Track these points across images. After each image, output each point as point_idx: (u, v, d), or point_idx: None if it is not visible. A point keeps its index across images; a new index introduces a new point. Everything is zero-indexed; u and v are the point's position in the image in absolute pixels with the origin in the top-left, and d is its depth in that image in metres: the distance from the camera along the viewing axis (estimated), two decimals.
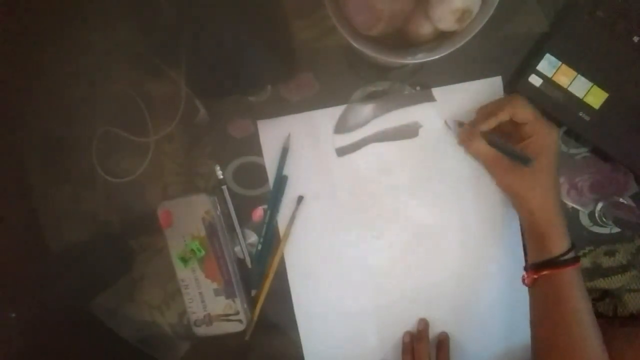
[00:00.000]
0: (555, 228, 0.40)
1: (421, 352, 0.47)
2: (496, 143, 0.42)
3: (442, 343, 0.49)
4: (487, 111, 0.43)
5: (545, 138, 0.40)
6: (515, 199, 0.43)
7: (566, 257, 0.39)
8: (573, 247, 0.40)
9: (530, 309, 0.42)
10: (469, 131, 0.43)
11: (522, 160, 0.41)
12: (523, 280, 0.43)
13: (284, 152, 0.49)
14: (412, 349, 0.48)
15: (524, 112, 0.40)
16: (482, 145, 0.42)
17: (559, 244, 0.39)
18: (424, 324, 0.49)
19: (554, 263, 0.39)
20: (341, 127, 0.49)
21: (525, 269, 0.43)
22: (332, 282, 0.51)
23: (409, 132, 0.49)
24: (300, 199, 0.50)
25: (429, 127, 0.48)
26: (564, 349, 0.38)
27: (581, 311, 0.38)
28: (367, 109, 0.49)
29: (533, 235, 0.42)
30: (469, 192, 0.49)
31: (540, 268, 0.40)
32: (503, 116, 0.41)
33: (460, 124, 0.46)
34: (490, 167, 0.44)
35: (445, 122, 0.47)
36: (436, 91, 0.48)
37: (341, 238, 0.50)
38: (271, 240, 0.51)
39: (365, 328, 0.51)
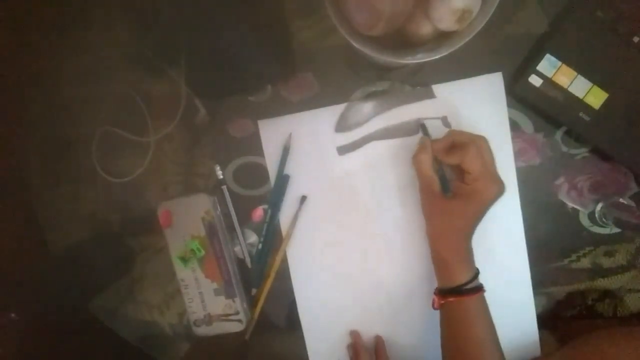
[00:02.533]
0: (457, 257, 0.41)
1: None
2: (437, 164, 0.43)
3: (379, 347, 0.50)
4: (452, 139, 0.42)
5: (479, 192, 0.40)
6: (427, 222, 0.44)
7: (469, 285, 0.40)
8: (476, 276, 0.41)
9: (440, 331, 0.43)
10: (423, 143, 0.43)
11: (444, 188, 0.43)
12: (433, 304, 0.43)
13: (285, 151, 0.49)
14: None
15: (470, 162, 0.40)
16: (427, 164, 0.42)
17: (461, 274, 0.41)
18: (354, 336, 0.50)
19: (458, 291, 0.40)
20: (342, 126, 0.49)
21: (435, 292, 0.44)
22: (335, 280, 0.51)
23: (410, 129, 0.49)
24: (303, 198, 0.50)
25: (430, 124, 0.48)
26: None
27: (484, 339, 0.40)
28: (368, 107, 0.49)
29: (437, 261, 0.43)
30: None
31: (445, 294, 0.41)
32: (452, 160, 0.41)
33: (424, 131, 0.47)
34: (420, 183, 0.44)
35: (420, 122, 0.48)
36: (436, 88, 0.48)
37: (343, 237, 0.50)
38: (272, 240, 0.51)
39: (369, 327, 0.51)
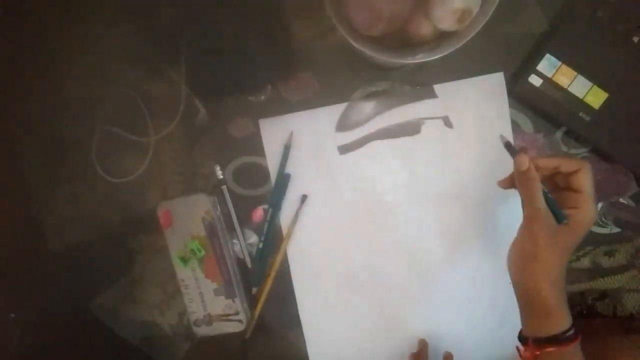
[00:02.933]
0: (561, 301, 0.37)
1: None
2: (545, 192, 0.38)
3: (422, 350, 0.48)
4: (552, 154, 0.39)
5: (586, 215, 0.36)
6: (531, 260, 0.37)
7: (570, 333, 0.36)
8: (573, 322, 0.37)
9: None
10: (530, 168, 0.37)
11: (558, 215, 0.37)
12: (519, 353, 0.39)
13: (286, 150, 0.49)
14: None
15: (586, 179, 0.36)
16: (539, 191, 0.37)
17: (564, 320, 0.36)
18: (422, 345, 0.48)
19: (558, 340, 0.36)
20: (343, 125, 0.49)
21: (521, 340, 0.39)
22: (336, 280, 0.51)
23: (411, 129, 0.49)
24: (304, 197, 0.50)
25: (431, 124, 0.48)
26: None
27: None
28: (369, 106, 0.49)
29: (535, 306, 0.37)
30: (470, 189, 0.49)
31: (543, 344, 0.36)
32: (568, 167, 0.37)
33: (509, 146, 0.40)
34: (533, 216, 0.37)
35: (501, 137, 0.41)
36: (438, 88, 0.48)
37: (344, 236, 0.50)
38: (272, 239, 0.51)
39: (370, 327, 0.51)
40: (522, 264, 0.38)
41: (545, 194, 0.37)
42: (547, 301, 0.36)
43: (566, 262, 0.37)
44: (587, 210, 0.36)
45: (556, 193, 0.39)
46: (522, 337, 0.39)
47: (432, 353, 0.50)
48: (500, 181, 0.41)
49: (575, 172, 0.37)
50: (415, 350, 0.50)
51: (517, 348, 0.39)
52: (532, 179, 0.37)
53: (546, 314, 0.36)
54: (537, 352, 0.36)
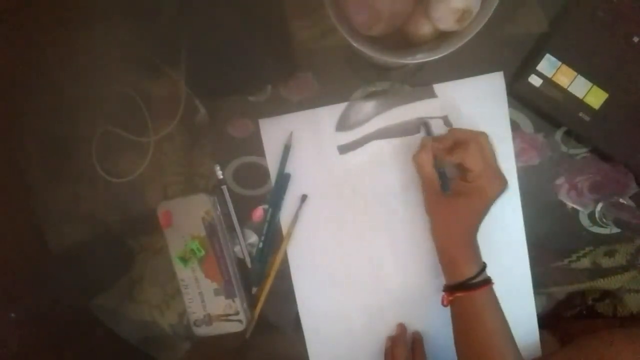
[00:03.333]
0: (462, 254, 0.41)
1: (398, 355, 0.47)
2: (439, 163, 0.44)
3: (416, 342, 0.50)
4: (454, 137, 0.42)
5: (482, 189, 0.41)
6: (431, 221, 0.44)
7: (476, 279, 0.40)
8: (483, 269, 0.41)
9: (452, 327, 0.43)
10: (423, 142, 0.44)
11: (444, 186, 0.43)
12: (442, 301, 0.43)
13: (286, 149, 0.49)
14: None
15: (471, 160, 0.40)
16: (428, 163, 0.43)
17: (467, 269, 0.41)
18: (400, 329, 0.50)
19: (465, 285, 0.40)
20: (343, 125, 0.49)
21: (443, 289, 0.44)
22: (336, 280, 0.51)
23: (411, 128, 0.49)
24: (304, 197, 0.50)
25: (432, 123, 0.48)
26: None
27: (495, 331, 0.40)
28: (369, 106, 0.49)
29: (443, 258, 0.43)
30: None
31: (453, 290, 0.41)
32: (454, 159, 0.42)
33: (427, 130, 0.47)
34: (422, 182, 0.44)
35: (422, 121, 0.48)
36: (438, 87, 0.48)
37: (344, 236, 0.50)
38: (272, 239, 0.51)
39: (369, 325, 0.51)
40: (430, 222, 0.44)
41: (439, 166, 0.44)
42: (447, 252, 0.43)
43: (468, 224, 0.42)
44: (479, 185, 0.41)
45: (459, 168, 0.43)
46: (444, 287, 0.44)
47: (431, 352, 0.50)
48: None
49: (466, 148, 0.40)
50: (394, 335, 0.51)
51: (442, 297, 0.44)
52: (423, 149, 0.43)
53: (451, 263, 0.42)
54: (450, 298, 0.42)
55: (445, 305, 0.43)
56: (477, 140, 0.41)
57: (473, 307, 0.41)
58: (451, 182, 0.45)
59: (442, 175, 0.44)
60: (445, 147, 0.43)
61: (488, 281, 0.41)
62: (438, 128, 0.48)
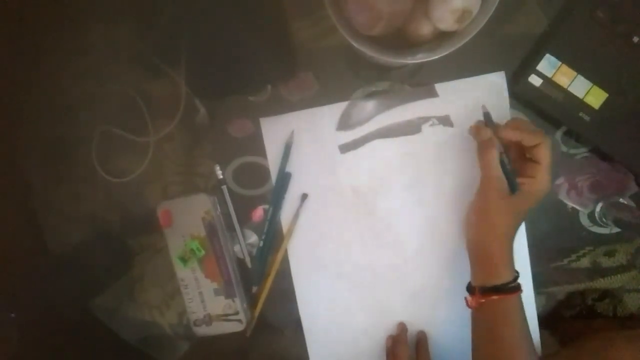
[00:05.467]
0: (506, 256, 0.41)
1: (400, 355, 0.47)
2: (502, 160, 0.41)
3: (420, 342, 0.50)
4: (518, 124, 0.41)
5: (540, 187, 0.40)
6: (478, 220, 0.42)
7: (513, 284, 0.40)
8: (518, 276, 0.41)
9: (473, 329, 0.43)
10: (490, 137, 0.41)
11: (511, 185, 0.41)
12: (467, 302, 0.43)
13: (287, 148, 0.49)
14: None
15: (544, 153, 0.40)
16: (494, 159, 0.41)
17: (508, 272, 0.40)
18: (401, 328, 0.50)
19: (502, 289, 0.40)
20: (344, 124, 0.49)
21: (469, 290, 0.43)
22: (337, 279, 0.51)
23: (412, 128, 0.49)
24: (304, 196, 0.50)
25: (432, 123, 0.48)
26: None
27: (521, 336, 0.40)
28: (370, 105, 0.49)
29: (483, 259, 0.42)
30: (471, 189, 0.49)
31: (487, 292, 0.41)
32: (530, 140, 0.40)
33: (487, 117, 0.44)
34: (487, 180, 0.42)
35: (483, 108, 0.44)
36: (439, 87, 0.48)
37: (344, 235, 0.50)
38: (273, 238, 0.51)
39: (369, 324, 0.51)
40: (474, 222, 0.43)
41: (502, 163, 0.41)
42: (493, 255, 0.41)
43: (516, 225, 0.41)
44: (541, 180, 0.40)
45: (517, 162, 0.42)
46: (469, 288, 0.43)
47: (433, 351, 0.50)
48: (471, 127, 0.44)
49: (536, 145, 0.40)
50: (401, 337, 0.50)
51: (465, 298, 0.43)
52: (490, 147, 0.41)
53: (492, 266, 0.41)
54: (482, 300, 0.41)
55: (471, 307, 0.42)
56: (547, 139, 0.40)
57: (503, 311, 0.40)
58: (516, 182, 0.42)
59: (508, 175, 0.41)
60: (511, 131, 0.41)
61: (520, 287, 0.41)
62: (439, 128, 0.48)
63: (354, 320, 0.51)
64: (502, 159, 0.41)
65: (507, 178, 0.41)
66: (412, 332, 0.51)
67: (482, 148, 0.42)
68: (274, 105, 0.50)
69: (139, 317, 0.54)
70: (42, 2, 0.49)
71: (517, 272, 0.41)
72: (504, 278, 0.40)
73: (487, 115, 0.44)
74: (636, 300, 0.48)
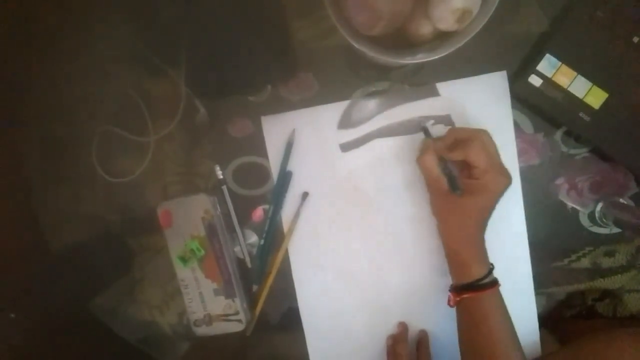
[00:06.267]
0: (470, 254, 0.41)
1: (401, 354, 0.47)
2: (443, 163, 0.44)
3: (421, 341, 0.50)
4: (453, 137, 0.43)
5: (488, 185, 0.40)
6: (438, 221, 0.44)
7: (485, 280, 0.41)
8: (491, 271, 0.42)
9: (457, 328, 0.44)
10: (425, 145, 0.44)
11: (453, 187, 0.43)
12: (448, 302, 0.44)
13: (289, 146, 0.49)
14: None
15: (476, 156, 0.40)
16: (432, 163, 0.43)
17: (476, 270, 0.41)
18: (401, 328, 0.50)
19: (474, 286, 0.41)
20: (345, 123, 0.49)
21: (450, 290, 0.44)
22: (337, 278, 0.51)
23: (413, 127, 0.49)
24: (305, 195, 0.50)
25: (434, 122, 0.48)
26: None
27: (502, 330, 0.40)
28: (371, 104, 0.49)
29: (451, 259, 0.44)
30: None
31: (461, 291, 0.41)
32: (457, 156, 0.42)
33: (426, 133, 0.47)
34: (428, 184, 0.44)
35: (423, 127, 0.47)
36: (440, 86, 0.48)
37: (345, 234, 0.50)
38: (274, 236, 0.51)
39: (369, 324, 0.51)
40: (436, 225, 0.45)
41: (442, 166, 0.43)
42: (456, 252, 0.43)
43: (477, 223, 0.41)
44: (486, 180, 0.40)
45: (463, 166, 0.43)
46: (450, 287, 0.44)
47: (433, 351, 0.50)
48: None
49: (469, 145, 0.40)
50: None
51: (448, 299, 0.44)
52: (425, 151, 0.43)
53: (460, 264, 0.42)
54: (458, 299, 0.42)
55: (451, 306, 0.43)
56: (479, 137, 0.41)
57: (480, 308, 0.41)
58: (459, 182, 0.45)
59: (449, 176, 0.44)
60: (447, 146, 0.43)
61: (495, 282, 0.41)
62: (439, 129, 0.48)
63: (354, 320, 0.51)
64: (441, 162, 0.43)
65: (448, 180, 0.43)
66: (413, 331, 0.51)
67: (420, 153, 0.44)
68: (274, 105, 0.50)
69: (139, 317, 0.54)
70: (42, 2, 0.49)
71: (491, 265, 0.42)
72: (475, 275, 0.41)
73: (425, 129, 0.47)
74: (636, 300, 0.48)
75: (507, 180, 0.41)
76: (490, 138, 0.41)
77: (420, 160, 0.44)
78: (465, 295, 0.41)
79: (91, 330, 0.54)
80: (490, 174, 0.40)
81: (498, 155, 0.41)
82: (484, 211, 0.41)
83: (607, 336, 0.43)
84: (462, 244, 0.42)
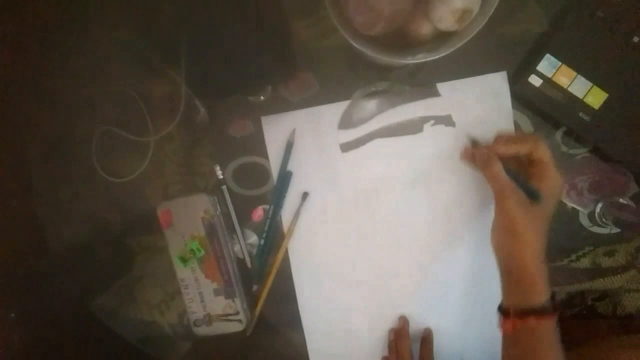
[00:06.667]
0: (542, 274, 0.38)
1: (403, 349, 0.47)
2: (511, 171, 0.39)
3: (426, 339, 0.49)
4: (506, 138, 0.41)
5: (554, 183, 0.38)
6: (512, 237, 0.39)
7: (549, 305, 0.37)
8: (554, 294, 0.38)
9: (504, 354, 0.40)
10: (488, 153, 0.40)
11: (533, 195, 0.38)
12: (500, 326, 0.40)
13: (289, 146, 0.49)
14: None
15: (544, 152, 0.38)
16: (501, 171, 0.39)
17: (544, 291, 0.37)
18: (403, 322, 0.50)
19: (539, 311, 0.37)
20: (346, 123, 0.49)
21: (502, 311, 0.40)
22: (337, 278, 0.51)
23: (413, 127, 0.49)
24: (305, 195, 0.50)
25: (434, 123, 0.48)
26: None
27: (557, 358, 0.37)
28: (372, 104, 0.49)
29: (518, 278, 0.38)
30: (472, 188, 0.49)
31: (524, 315, 0.37)
32: (524, 148, 0.39)
33: (474, 143, 0.43)
34: (501, 194, 0.39)
35: (467, 136, 0.44)
36: (441, 86, 0.48)
37: (345, 234, 0.50)
38: (274, 236, 0.51)
39: (369, 324, 0.51)
40: (504, 241, 0.40)
41: (512, 174, 0.39)
42: (531, 274, 0.37)
43: (545, 234, 0.38)
44: (552, 177, 0.39)
45: (521, 170, 0.41)
46: (502, 310, 0.40)
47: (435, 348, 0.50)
48: (462, 154, 0.44)
49: (531, 138, 0.39)
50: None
51: (499, 321, 0.40)
52: (492, 161, 0.40)
53: (530, 286, 0.37)
54: (518, 326, 0.38)
55: (505, 331, 0.39)
56: (538, 136, 0.40)
57: (540, 335, 0.37)
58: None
59: (523, 184, 0.39)
60: (504, 144, 0.40)
61: (557, 309, 0.37)
62: (439, 128, 0.48)
63: (354, 320, 0.51)
64: (510, 169, 0.39)
65: (524, 188, 0.38)
66: (416, 329, 0.51)
67: (484, 164, 0.40)
68: (274, 105, 0.50)
69: (139, 317, 0.54)
70: (42, 2, 0.49)
71: (553, 291, 0.38)
72: (541, 298, 0.37)
73: (473, 140, 0.43)
74: (636, 300, 0.48)
75: (562, 178, 0.39)
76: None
77: (489, 172, 0.39)
78: (531, 320, 0.36)
79: (91, 330, 0.54)
80: (553, 169, 0.38)
81: None
82: (550, 215, 0.38)
83: (606, 336, 0.43)
84: (534, 261, 0.37)
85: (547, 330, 0.37)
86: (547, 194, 0.38)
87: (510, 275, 0.39)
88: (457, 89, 0.48)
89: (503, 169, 0.39)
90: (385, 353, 0.51)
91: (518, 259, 0.38)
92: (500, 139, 0.41)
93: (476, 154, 0.42)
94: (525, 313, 0.37)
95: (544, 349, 0.37)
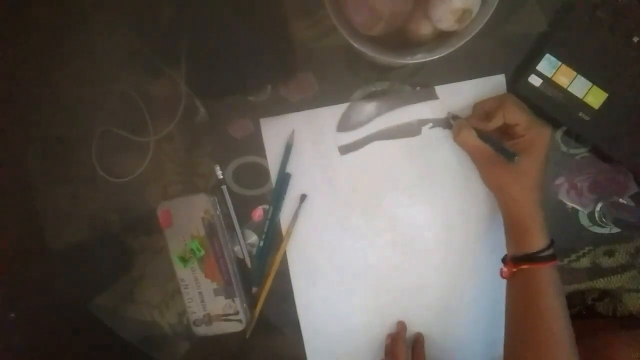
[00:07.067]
0: (535, 223, 0.40)
1: (397, 353, 0.47)
2: (484, 136, 0.43)
3: (417, 342, 0.50)
4: (482, 110, 0.44)
5: (535, 138, 0.40)
6: (498, 193, 0.43)
7: (545, 253, 0.39)
8: (552, 244, 0.40)
9: (507, 302, 0.43)
10: (457, 122, 0.45)
11: (507, 155, 0.41)
12: (501, 273, 0.43)
13: (288, 148, 0.49)
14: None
15: (514, 114, 0.41)
16: (471, 136, 0.43)
17: (539, 240, 0.40)
18: (400, 327, 0.50)
19: (533, 258, 0.39)
20: (344, 125, 0.49)
21: (504, 261, 0.43)
22: (335, 280, 0.51)
23: (411, 130, 0.49)
24: (303, 197, 0.50)
25: (432, 125, 0.48)
26: (539, 343, 0.38)
27: (557, 307, 0.39)
28: (370, 107, 0.49)
29: (513, 228, 0.42)
30: (470, 191, 0.49)
31: (519, 262, 0.40)
32: (496, 122, 0.42)
33: (455, 117, 0.47)
34: (477, 159, 0.44)
35: (449, 113, 0.47)
36: (439, 89, 0.48)
37: (343, 236, 0.50)
38: (273, 238, 0.51)
39: (367, 326, 0.51)
40: (496, 195, 0.44)
41: (485, 138, 0.42)
42: (523, 223, 0.41)
43: (538, 185, 0.40)
44: (532, 127, 0.40)
45: (505, 135, 0.43)
46: (504, 258, 0.43)
47: (430, 353, 0.50)
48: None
49: (503, 107, 0.41)
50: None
51: (500, 269, 0.43)
52: (462, 127, 0.43)
53: (522, 233, 0.40)
54: (514, 270, 0.41)
55: (505, 278, 0.42)
56: (508, 98, 0.41)
57: (536, 282, 0.39)
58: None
59: (498, 147, 0.42)
60: (480, 117, 0.43)
61: (554, 257, 0.40)
62: (439, 130, 0.48)
63: (353, 321, 0.51)
64: (484, 135, 0.42)
65: (499, 149, 0.42)
66: (409, 333, 0.51)
67: (455, 133, 0.44)
68: (274, 106, 0.50)
69: (139, 317, 0.54)
70: (42, 2, 0.49)
71: (551, 241, 0.40)
72: (536, 245, 0.39)
73: (453, 116, 0.47)
74: (636, 300, 0.48)
75: (549, 129, 0.41)
76: (516, 98, 0.42)
77: (459, 139, 0.43)
78: (523, 267, 0.39)
79: (91, 330, 0.54)
80: (534, 127, 0.40)
81: (530, 111, 0.42)
82: (540, 170, 0.40)
83: (606, 336, 0.43)
84: (527, 211, 0.40)
85: (544, 277, 0.39)
86: (529, 147, 0.40)
87: (508, 224, 0.43)
88: (455, 91, 0.48)
89: (476, 135, 0.42)
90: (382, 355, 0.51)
91: (509, 214, 0.42)
92: (475, 112, 0.44)
93: (453, 128, 0.45)
94: (520, 260, 0.40)
95: (542, 295, 0.39)
